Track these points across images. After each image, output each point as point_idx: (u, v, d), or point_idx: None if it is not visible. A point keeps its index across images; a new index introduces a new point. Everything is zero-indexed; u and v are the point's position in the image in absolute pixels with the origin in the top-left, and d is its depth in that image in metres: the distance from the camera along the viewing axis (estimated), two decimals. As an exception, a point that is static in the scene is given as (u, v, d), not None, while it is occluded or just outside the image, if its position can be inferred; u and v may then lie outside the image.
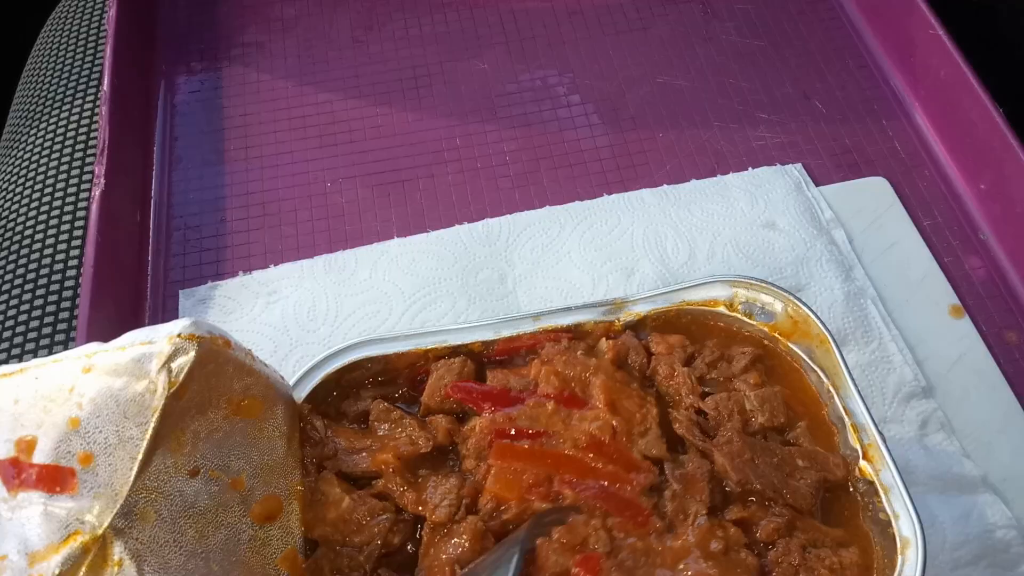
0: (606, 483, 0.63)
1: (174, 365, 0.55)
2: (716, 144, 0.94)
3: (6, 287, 0.90)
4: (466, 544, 0.61)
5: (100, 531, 0.51)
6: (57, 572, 0.50)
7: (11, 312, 0.88)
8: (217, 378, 0.58)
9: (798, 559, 0.61)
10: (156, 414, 0.54)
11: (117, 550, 0.52)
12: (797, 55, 1.00)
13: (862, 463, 0.64)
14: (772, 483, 0.64)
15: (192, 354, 0.55)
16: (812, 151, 0.93)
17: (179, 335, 0.55)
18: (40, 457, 0.53)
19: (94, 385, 0.54)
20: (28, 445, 0.53)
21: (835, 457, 0.65)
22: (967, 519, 0.69)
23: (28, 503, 0.52)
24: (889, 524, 0.61)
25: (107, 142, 0.84)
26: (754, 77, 0.98)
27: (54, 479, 0.52)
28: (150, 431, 0.54)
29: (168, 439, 0.55)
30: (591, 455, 0.64)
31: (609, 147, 0.94)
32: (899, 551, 0.59)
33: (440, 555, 0.62)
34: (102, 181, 0.82)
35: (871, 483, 0.63)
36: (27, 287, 0.89)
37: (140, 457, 0.53)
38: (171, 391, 0.54)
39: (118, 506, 0.52)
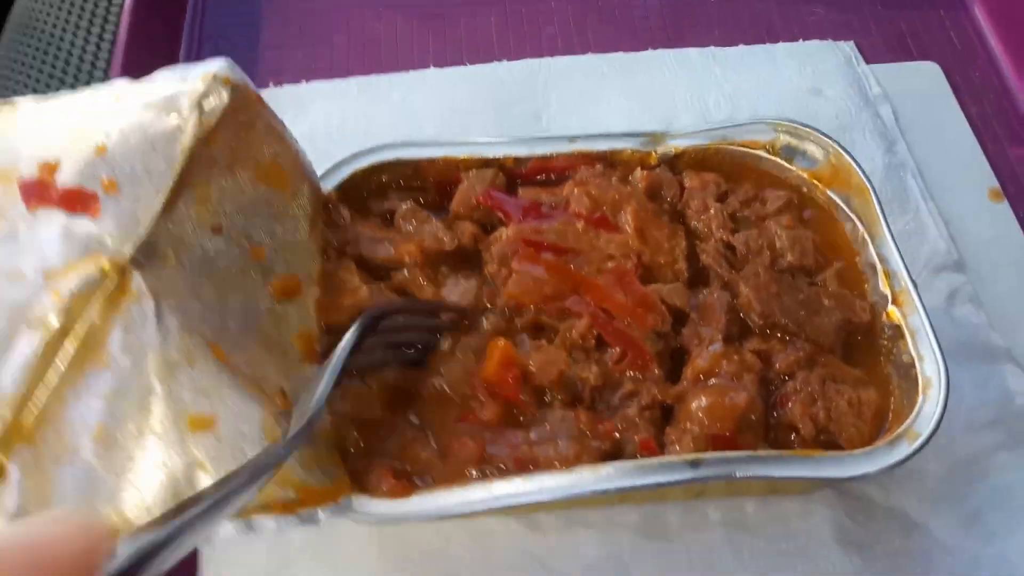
0: (616, 316, 0.62)
1: (206, 105, 0.53)
2: (770, 15, 0.91)
3: (33, 78, 0.88)
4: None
5: (120, 260, 0.50)
6: (74, 291, 0.49)
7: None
8: (247, 133, 0.56)
9: (817, 390, 0.60)
10: (185, 152, 0.52)
11: (136, 283, 0.50)
12: (861, -65, 0.97)
13: (891, 307, 0.63)
14: (796, 318, 0.63)
15: (225, 98, 0.53)
16: (866, 31, 0.90)
17: (214, 75, 0.53)
18: (63, 179, 0.51)
19: (123, 117, 0.52)
20: (51, 168, 0.51)
21: (862, 301, 0.64)
22: (987, 385, 0.68)
23: (48, 221, 0.50)
24: (912, 366, 0.60)
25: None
26: (814, -48, 0.95)
27: (76, 200, 0.50)
28: (178, 167, 0.52)
29: (194, 186, 0.54)
30: (612, 283, 0.63)
31: (659, 5, 0.91)
32: (920, 390, 0.59)
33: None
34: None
35: (898, 327, 0.62)
36: (55, 77, 0.87)
37: (166, 193, 0.52)
38: (202, 133, 0.53)
39: (141, 239, 0.51)
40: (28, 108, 0.54)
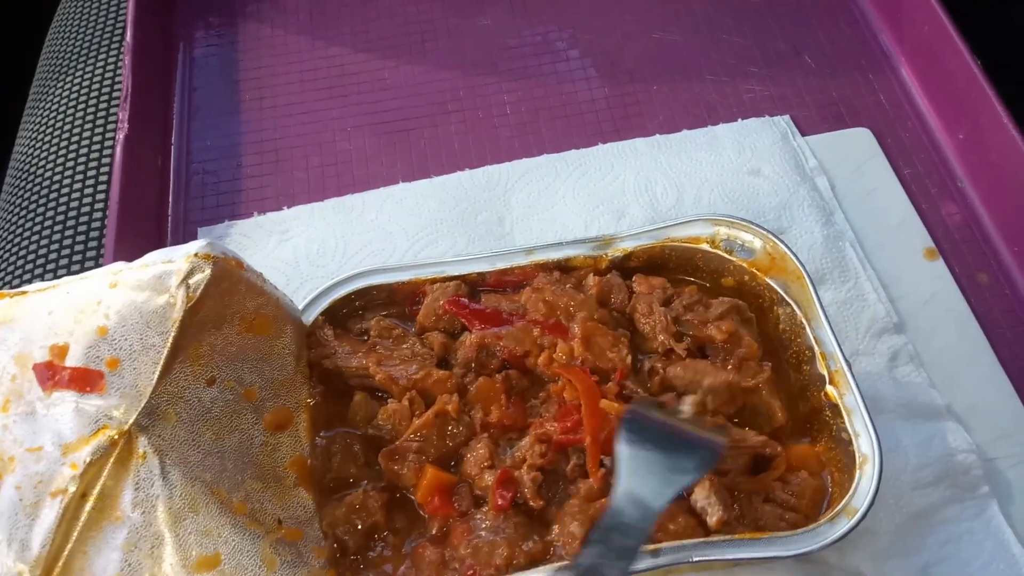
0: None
1: (191, 281, 0.60)
2: (708, 96, 0.97)
3: (35, 229, 0.96)
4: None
5: (126, 427, 0.57)
6: (88, 460, 0.56)
7: (41, 252, 0.94)
8: (231, 296, 0.64)
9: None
10: (176, 324, 0.59)
11: (142, 445, 0.58)
12: (790, 12, 1.04)
13: (828, 388, 0.68)
14: None
15: (208, 272, 0.61)
16: (800, 103, 0.96)
17: (196, 254, 0.61)
18: (72, 361, 0.59)
19: (120, 298, 0.60)
20: (61, 351, 0.59)
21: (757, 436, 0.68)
22: (930, 444, 0.74)
23: (61, 401, 0.58)
24: (850, 443, 0.66)
25: (130, 90, 0.90)
26: (748, 33, 1.02)
27: (85, 380, 0.58)
28: (170, 339, 0.59)
29: (187, 349, 0.61)
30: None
31: (605, 99, 0.98)
32: (857, 466, 0.64)
33: None
34: (126, 125, 0.87)
35: (836, 405, 0.67)
36: (56, 228, 0.95)
37: (162, 362, 0.59)
38: (189, 305, 0.60)
39: (142, 405, 0.58)
40: (37, 296, 0.61)
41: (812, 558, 0.69)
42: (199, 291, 0.60)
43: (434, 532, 0.64)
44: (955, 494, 0.72)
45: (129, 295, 0.60)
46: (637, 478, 0.58)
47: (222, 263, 0.62)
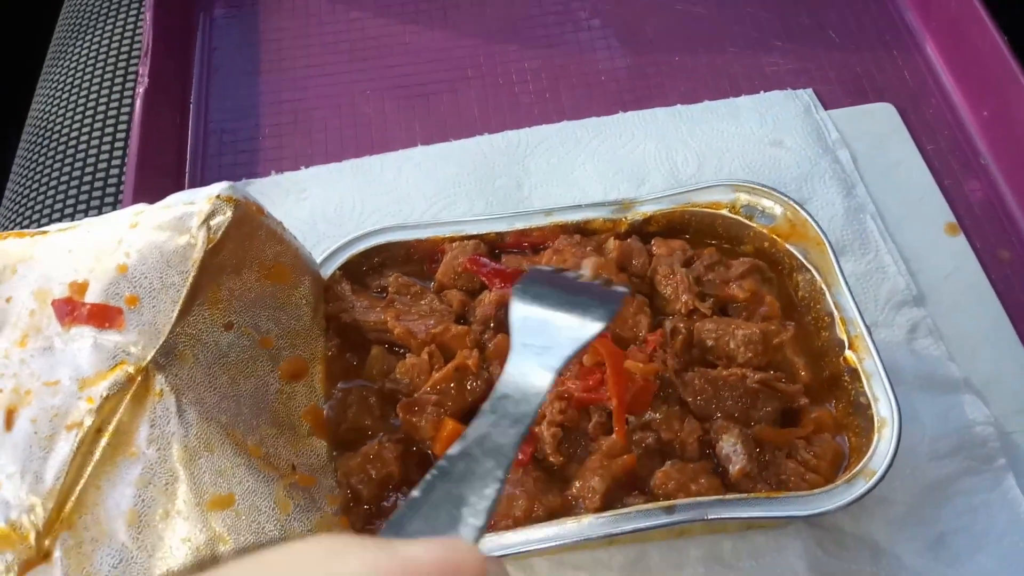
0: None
1: (212, 223, 0.60)
2: (730, 69, 0.97)
3: (52, 185, 0.96)
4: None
5: (144, 363, 0.57)
6: (104, 395, 0.56)
7: (56, 208, 0.94)
8: (251, 241, 0.63)
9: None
10: (196, 265, 0.59)
11: (159, 382, 0.58)
12: (815, -14, 1.03)
13: (847, 352, 0.68)
14: (732, 414, 0.66)
15: (229, 214, 0.60)
16: (823, 78, 0.96)
17: (218, 196, 0.61)
18: (91, 297, 0.58)
19: (141, 238, 0.60)
20: (80, 287, 0.59)
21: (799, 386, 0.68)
22: (947, 415, 0.73)
23: (80, 336, 0.58)
24: (869, 407, 0.65)
25: (151, 44, 0.90)
26: (771, 6, 1.01)
27: (103, 316, 0.58)
28: (190, 279, 0.59)
29: (205, 292, 0.61)
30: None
31: (626, 68, 0.97)
32: (876, 430, 0.64)
33: None
34: (146, 80, 0.87)
35: (854, 370, 0.67)
36: (72, 185, 0.95)
37: (181, 301, 0.59)
38: (209, 246, 0.60)
39: (160, 343, 0.58)
40: (57, 235, 0.61)
41: (826, 524, 0.69)
42: (220, 233, 0.60)
43: None
44: (971, 466, 0.71)
45: (150, 235, 0.60)
46: (532, 340, 0.52)
47: (243, 207, 0.61)
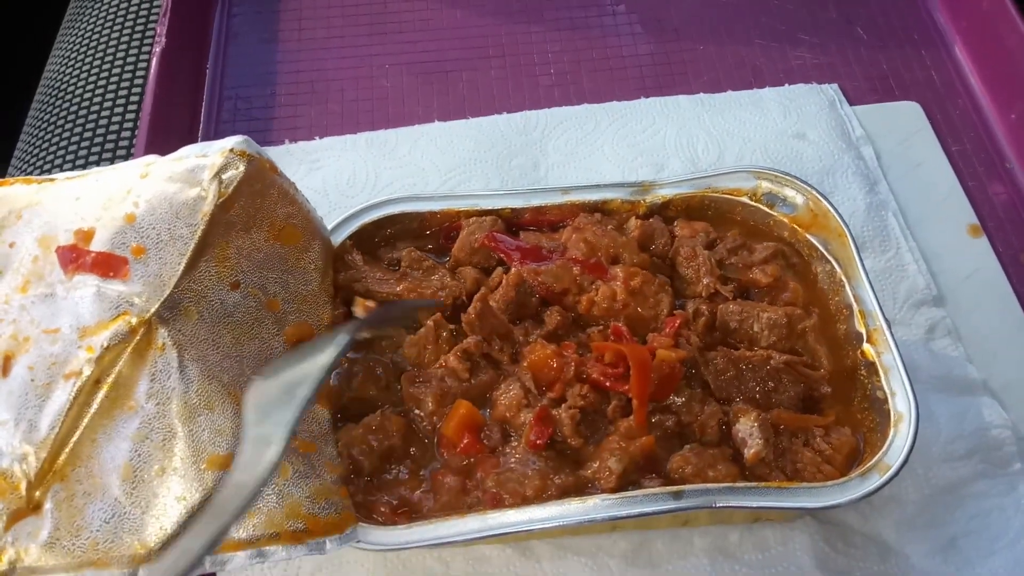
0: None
1: (225, 176, 0.59)
2: (755, 60, 0.95)
3: (63, 145, 0.95)
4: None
5: (147, 315, 0.56)
6: (105, 345, 0.55)
7: (67, 169, 0.93)
8: (262, 199, 0.62)
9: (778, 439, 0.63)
10: (205, 218, 0.58)
11: (161, 336, 0.56)
12: (844, -19, 1.02)
13: (866, 346, 0.66)
14: (753, 396, 0.65)
15: (242, 169, 0.59)
16: (849, 74, 0.94)
17: (231, 150, 0.59)
18: (97, 246, 0.57)
19: (150, 188, 0.58)
20: (86, 235, 0.57)
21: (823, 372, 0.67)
22: (964, 417, 0.72)
23: (83, 284, 0.56)
24: (885, 401, 0.63)
25: (170, 4, 0.88)
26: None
27: (108, 265, 0.56)
28: (199, 232, 0.58)
29: (214, 248, 0.60)
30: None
31: (650, 55, 0.96)
32: (892, 425, 0.62)
33: None
34: (163, 39, 0.86)
35: (872, 364, 0.65)
36: (83, 145, 0.94)
37: (188, 255, 0.57)
38: (220, 200, 0.58)
39: (165, 295, 0.56)
40: (65, 183, 0.60)
41: (835, 520, 0.67)
42: (232, 188, 0.59)
43: (453, 463, 0.63)
44: (986, 469, 0.70)
45: (160, 186, 0.58)
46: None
47: (257, 162, 0.60)
